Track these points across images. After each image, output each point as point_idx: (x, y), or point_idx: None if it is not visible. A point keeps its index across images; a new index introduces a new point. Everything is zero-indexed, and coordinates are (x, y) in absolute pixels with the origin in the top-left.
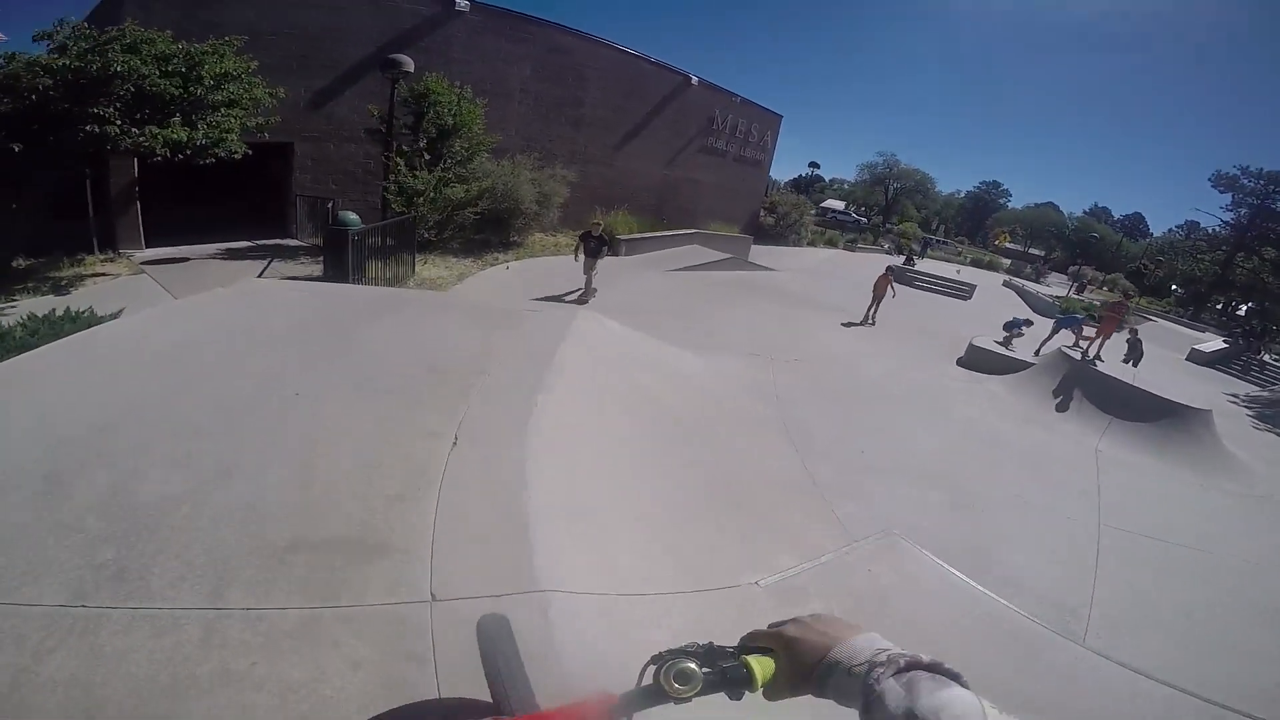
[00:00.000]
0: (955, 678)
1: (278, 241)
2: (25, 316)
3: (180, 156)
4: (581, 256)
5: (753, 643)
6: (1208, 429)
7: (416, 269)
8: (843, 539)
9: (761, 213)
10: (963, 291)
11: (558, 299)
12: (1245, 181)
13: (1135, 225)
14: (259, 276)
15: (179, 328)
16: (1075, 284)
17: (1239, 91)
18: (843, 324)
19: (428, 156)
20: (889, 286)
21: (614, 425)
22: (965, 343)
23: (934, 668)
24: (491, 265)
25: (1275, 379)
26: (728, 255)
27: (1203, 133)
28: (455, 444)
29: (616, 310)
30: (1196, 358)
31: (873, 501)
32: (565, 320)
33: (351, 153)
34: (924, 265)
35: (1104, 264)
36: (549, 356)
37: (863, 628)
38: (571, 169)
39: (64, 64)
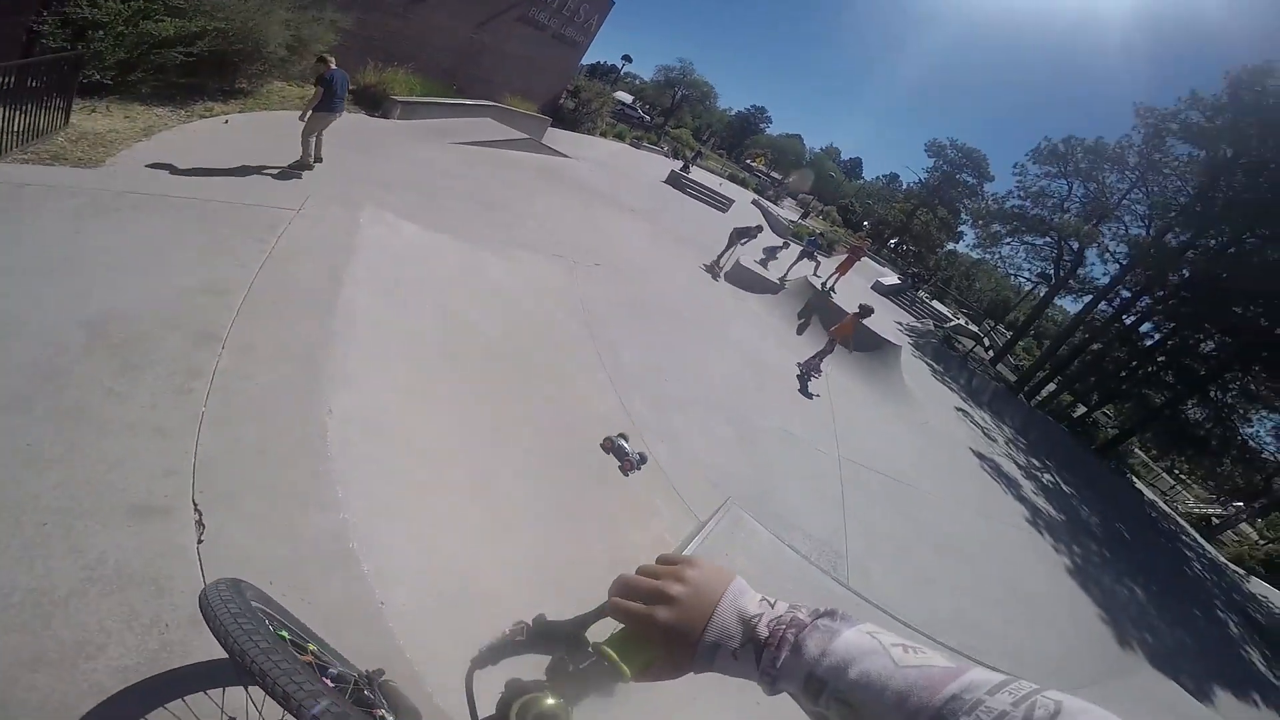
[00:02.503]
0: (845, 620)
1: None
2: None
3: None
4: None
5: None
6: (898, 362)
7: (73, 119)
8: (669, 495)
9: (564, 95)
10: (722, 204)
11: (298, 170)
12: (949, 152)
13: (854, 168)
14: None
15: None
16: (803, 210)
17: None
18: (634, 225)
19: None
20: (847, 335)
21: (432, 383)
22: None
23: (818, 620)
24: (203, 117)
25: (924, 314)
26: (524, 135)
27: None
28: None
29: (398, 186)
30: (879, 289)
31: (683, 442)
32: (347, 229)
33: None
34: (695, 174)
35: (824, 196)
36: (330, 298)
37: (720, 581)
38: (349, 14)
39: None
